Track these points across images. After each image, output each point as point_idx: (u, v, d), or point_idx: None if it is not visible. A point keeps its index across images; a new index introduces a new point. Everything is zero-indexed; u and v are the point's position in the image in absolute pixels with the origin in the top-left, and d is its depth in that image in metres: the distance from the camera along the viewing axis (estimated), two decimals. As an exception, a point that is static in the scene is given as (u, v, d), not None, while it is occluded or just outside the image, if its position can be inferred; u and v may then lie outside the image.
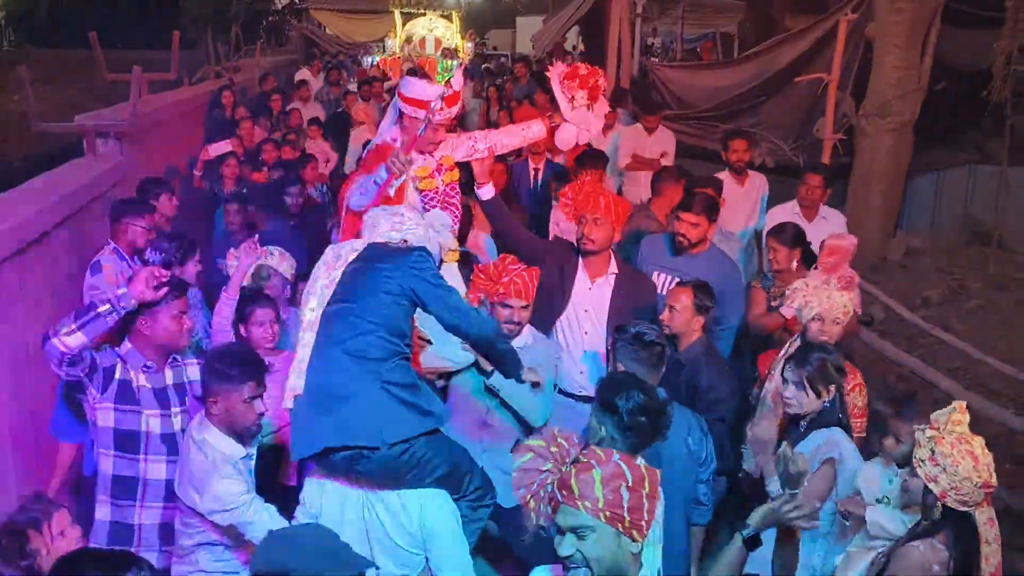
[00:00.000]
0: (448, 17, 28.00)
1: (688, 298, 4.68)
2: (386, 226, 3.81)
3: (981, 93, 9.05)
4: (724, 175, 7.34)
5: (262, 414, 3.77)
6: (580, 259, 5.08)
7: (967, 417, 3.30)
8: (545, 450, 2.57)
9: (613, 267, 5.09)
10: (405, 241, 3.79)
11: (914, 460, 3.32)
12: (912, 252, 10.10)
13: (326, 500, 3.62)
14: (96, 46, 8.78)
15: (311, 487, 3.68)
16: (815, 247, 5.69)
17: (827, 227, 6.42)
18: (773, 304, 5.63)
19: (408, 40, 26.89)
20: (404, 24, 27.32)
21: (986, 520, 3.38)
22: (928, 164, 10.93)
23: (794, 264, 5.71)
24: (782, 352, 4.88)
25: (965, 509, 3.24)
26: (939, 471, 3.22)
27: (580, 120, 5.10)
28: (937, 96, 10.37)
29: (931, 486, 3.25)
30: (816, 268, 5.47)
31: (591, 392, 4.86)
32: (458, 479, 3.66)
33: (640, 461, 2.51)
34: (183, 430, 3.94)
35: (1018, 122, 9.33)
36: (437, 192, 4.84)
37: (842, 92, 9.98)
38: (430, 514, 3.55)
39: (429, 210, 4.56)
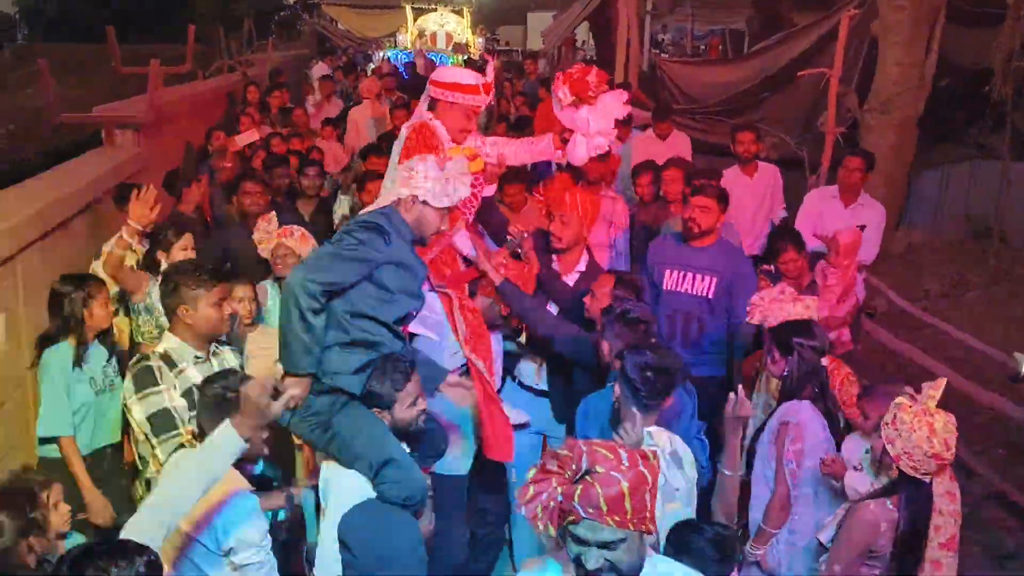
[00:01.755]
0: (459, 12, 28.13)
1: (608, 286, 4.73)
2: (400, 183, 3.83)
3: (983, 90, 9.17)
4: (734, 168, 7.50)
5: None
6: (553, 255, 5.14)
7: (940, 393, 3.48)
8: (548, 474, 2.44)
9: (582, 265, 5.13)
10: (415, 197, 3.77)
11: (881, 423, 3.53)
12: (914, 246, 10.23)
13: None
14: (112, 40, 8.98)
15: None
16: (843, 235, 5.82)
17: (863, 214, 6.56)
18: None
19: (419, 35, 27.07)
20: (415, 19, 27.49)
21: (944, 493, 3.60)
22: (932, 160, 11.05)
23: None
24: (761, 361, 4.99)
25: (916, 475, 3.43)
26: (896, 435, 3.46)
27: (570, 121, 5.02)
28: (941, 93, 10.49)
29: (888, 448, 3.49)
30: (832, 268, 5.57)
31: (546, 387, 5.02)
32: (366, 469, 3.68)
33: (638, 451, 2.48)
34: None
35: (1019, 119, 9.45)
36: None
37: (846, 88, 10.11)
38: (334, 480, 3.68)
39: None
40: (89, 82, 18.37)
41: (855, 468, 3.99)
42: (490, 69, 4.94)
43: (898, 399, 3.59)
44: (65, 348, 4.47)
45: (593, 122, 4.97)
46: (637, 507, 2.34)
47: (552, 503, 2.40)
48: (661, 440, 3.58)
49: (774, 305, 4.67)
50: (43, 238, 5.12)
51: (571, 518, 2.37)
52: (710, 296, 5.32)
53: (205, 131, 9.86)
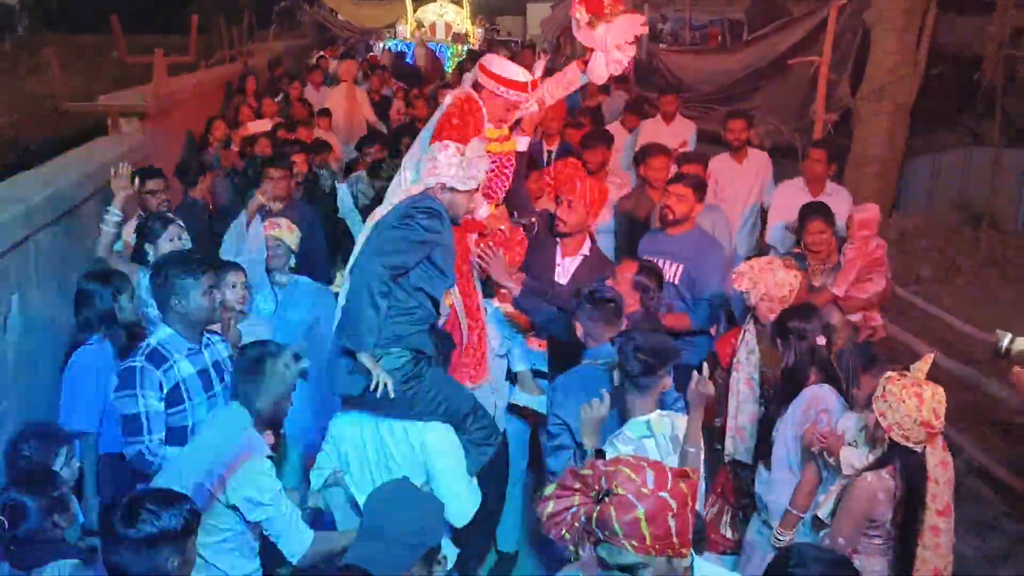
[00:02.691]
0: (458, 2, 28.16)
1: (631, 272, 4.86)
2: (424, 172, 4.09)
3: (974, 77, 9.33)
4: (724, 154, 7.66)
5: None
6: (557, 237, 5.28)
7: (927, 366, 3.66)
8: (568, 490, 2.40)
9: (585, 249, 5.27)
10: (443, 184, 4.03)
11: (872, 398, 3.69)
12: (907, 232, 10.36)
13: (348, 430, 4.19)
14: (117, 30, 9.13)
15: (337, 420, 4.28)
16: (856, 211, 5.96)
17: (831, 203, 6.60)
18: (815, 284, 5.71)
19: (419, 26, 27.14)
20: (415, 10, 27.56)
21: (938, 463, 3.77)
22: (926, 147, 11.19)
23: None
24: (740, 337, 5.03)
25: (909, 444, 3.61)
26: (887, 407, 3.64)
27: (589, 40, 5.13)
28: (934, 80, 10.62)
29: (880, 420, 3.67)
30: (849, 244, 5.70)
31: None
32: (459, 418, 4.11)
33: (672, 469, 2.42)
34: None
35: (1010, 105, 9.59)
36: (495, 156, 4.89)
37: (839, 77, 10.28)
38: (431, 437, 4.05)
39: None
40: (93, 72, 18.45)
41: (849, 444, 4.13)
42: (539, 66, 5.03)
43: (887, 373, 3.76)
44: (97, 346, 4.54)
45: (611, 39, 5.08)
46: (658, 533, 2.26)
47: (576, 523, 2.35)
48: (662, 426, 3.71)
49: (764, 273, 4.77)
50: (56, 221, 5.28)
51: (592, 539, 2.32)
52: (675, 282, 5.46)
53: (206, 120, 10.00)
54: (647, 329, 4.01)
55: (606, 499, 2.29)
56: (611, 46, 5.09)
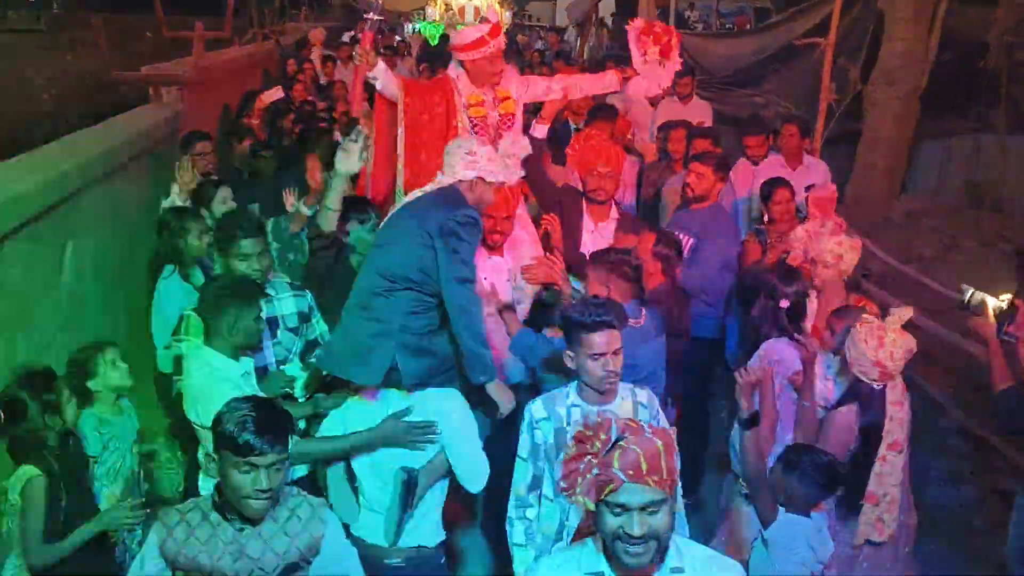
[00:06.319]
0: (488, -14, 28.39)
1: (650, 244, 5.08)
2: (460, 165, 4.14)
3: (979, 64, 9.63)
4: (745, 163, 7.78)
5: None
6: (586, 205, 5.55)
7: (904, 318, 3.99)
8: (585, 441, 2.47)
9: (614, 213, 5.58)
10: (481, 179, 4.14)
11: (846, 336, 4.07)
12: (913, 213, 10.66)
13: (359, 408, 3.97)
14: (158, 6, 9.55)
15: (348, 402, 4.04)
16: (800, 194, 6.21)
17: (809, 175, 6.98)
18: (771, 256, 5.91)
19: (447, 8, 27.43)
20: (443, -7, 27.87)
21: (894, 401, 4.12)
22: (936, 132, 11.46)
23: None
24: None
25: (866, 380, 3.99)
26: (851, 344, 4.01)
27: (649, 73, 5.56)
28: (945, 67, 10.90)
29: (846, 355, 4.02)
30: (806, 219, 6.03)
31: None
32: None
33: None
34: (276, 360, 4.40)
35: (1016, 93, 9.88)
36: (486, 120, 5.26)
37: (851, 62, 10.61)
38: (450, 404, 3.94)
39: (472, 135, 5.08)
40: (128, 51, 18.88)
41: (828, 378, 4.38)
42: (492, 10, 5.53)
43: (865, 315, 4.12)
44: (170, 276, 4.91)
45: (664, 75, 5.63)
46: (670, 467, 2.39)
47: (588, 475, 2.42)
48: (640, 394, 3.83)
49: (813, 239, 5.04)
50: (107, 176, 5.74)
51: (611, 487, 2.37)
52: (685, 254, 5.68)
53: (240, 95, 10.44)
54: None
55: (621, 443, 2.39)
56: (663, 79, 5.66)
